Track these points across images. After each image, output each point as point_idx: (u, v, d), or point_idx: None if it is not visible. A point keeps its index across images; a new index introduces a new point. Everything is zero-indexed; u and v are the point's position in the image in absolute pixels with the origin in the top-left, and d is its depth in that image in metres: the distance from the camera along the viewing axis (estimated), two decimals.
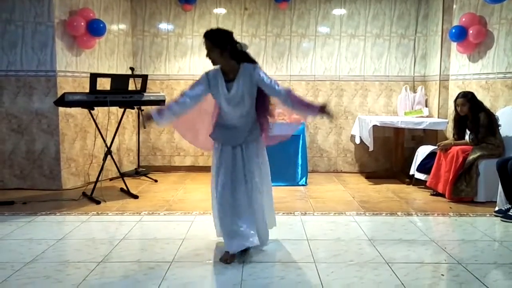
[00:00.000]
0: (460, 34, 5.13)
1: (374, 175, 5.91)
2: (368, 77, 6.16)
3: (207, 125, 3.21)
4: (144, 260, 3.05)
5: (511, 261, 3.03)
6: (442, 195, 4.70)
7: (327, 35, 6.13)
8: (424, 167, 5.08)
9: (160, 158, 6.30)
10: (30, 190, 5.00)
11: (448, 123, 5.41)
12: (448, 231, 3.84)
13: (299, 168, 5.45)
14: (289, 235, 3.55)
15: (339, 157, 6.28)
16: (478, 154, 4.49)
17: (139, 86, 5.05)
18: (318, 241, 3.41)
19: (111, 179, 5.59)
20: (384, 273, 2.82)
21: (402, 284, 2.66)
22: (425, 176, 5.06)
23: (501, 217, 3.97)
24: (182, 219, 3.97)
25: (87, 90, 4.60)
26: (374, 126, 5.36)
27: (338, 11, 6.10)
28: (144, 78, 4.97)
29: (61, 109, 4.96)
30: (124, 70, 5.92)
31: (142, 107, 5.67)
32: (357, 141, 5.85)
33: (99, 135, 4.74)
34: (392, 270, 2.85)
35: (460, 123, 4.82)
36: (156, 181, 5.58)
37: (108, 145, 4.77)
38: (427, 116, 5.76)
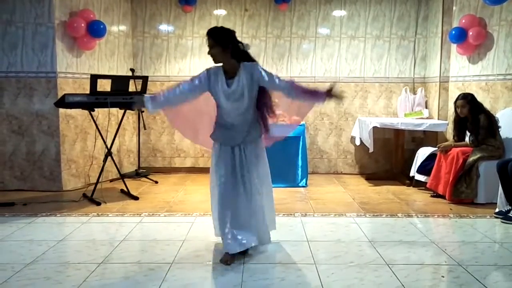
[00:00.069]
0: (460, 36, 5.13)
1: (374, 177, 5.91)
2: (368, 78, 6.17)
3: (206, 125, 3.21)
4: (144, 261, 3.05)
5: (511, 263, 3.03)
6: (443, 197, 4.70)
7: (327, 37, 6.14)
8: (424, 168, 5.09)
9: (161, 159, 6.30)
10: (30, 192, 5.00)
11: (448, 124, 5.42)
12: (448, 232, 3.84)
13: (299, 169, 5.45)
14: (289, 237, 3.55)
15: (339, 159, 6.28)
16: (478, 155, 4.49)
17: (139, 88, 5.06)
18: (318, 243, 3.41)
19: (111, 181, 5.59)
20: (385, 274, 2.82)
21: (403, 285, 2.66)
22: (425, 177, 5.06)
23: (501, 218, 3.97)
24: (182, 221, 3.98)
25: (88, 92, 4.61)
26: (374, 128, 5.37)
27: (338, 13, 6.11)
28: (145, 79, 4.98)
29: (61, 110, 4.96)
30: (124, 72, 5.92)
31: (143, 108, 5.69)
32: (357, 142, 5.85)
33: (100, 137, 4.74)
34: (393, 272, 2.85)
35: (460, 124, 4.82)
36: (156, 182, 5.58)
37: (109, 146, 4.77)
38: (427, 118, 5.76)
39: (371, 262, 3.02)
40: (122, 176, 5.06)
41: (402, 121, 5.57)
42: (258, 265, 2.98)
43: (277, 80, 2.96)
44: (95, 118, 4.72)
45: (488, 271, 2.90)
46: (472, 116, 4.64)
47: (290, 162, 5.42)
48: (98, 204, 4.49)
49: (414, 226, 3.84)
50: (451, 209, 4.39)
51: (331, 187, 5.45)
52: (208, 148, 3.24)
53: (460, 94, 4.80)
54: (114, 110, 5.42)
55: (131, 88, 5.06)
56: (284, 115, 3.82)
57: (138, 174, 5.87)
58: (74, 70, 5.19)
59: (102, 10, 5.55)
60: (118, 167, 5.18)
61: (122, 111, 4.99)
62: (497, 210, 4.12)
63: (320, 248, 3.30)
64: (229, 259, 2.99)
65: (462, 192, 4.52)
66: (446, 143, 4.92)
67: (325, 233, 3.66)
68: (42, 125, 5.03)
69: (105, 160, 4.75)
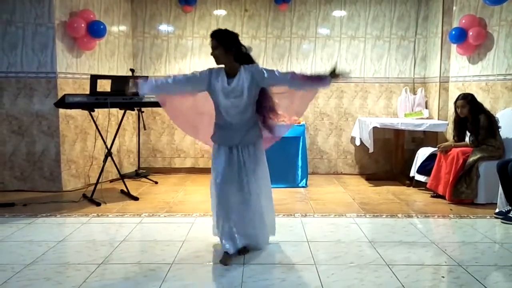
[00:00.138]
0: (460, 36, 5.13)
1: (374, 177, 5.91)
2: (368, 78, 6.17)
3: (207, 124, 3.22)
4: (144, 262, 3.05)
5: None
6: (443, 197, 4.70)
7: (327, 37, 6.13)
8: (424, 169, 5.09)
9: (161, 159, 6.30)
10: (30, 192, 4.99)
11: (448, 125, 5.42)
12: (448, 233, 3.84)
13: (299, 170, 5.45)
14: (289, 237, 3.55)
15: (339, 159, 6.28)
16: (478, 156, 4.49)
17: None
18: (318, 243, 3.41)
19: (111, 181, 5.59)
20: (385, 275, 2.82)
21: (403, 286, 2.66)
22: (425, 178, 5.06)
23: (501, 219, 3.97)
24: (182, 221, 3.97)
25: (88, 92, 4.61)
26: (374, 128, 5.36)
27: (338, 13, 6.11)
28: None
29: (61, 110, 4.96)
30: (124, 72, 5.92)
31: (143, 109, 5.70)
32: (357, 142, 5.85)
33: (100, 137, 4.73)
34: (393, 272, 2.85)
35: (460, 125, 4.82)
36: (156, 183, 5.58)
37: (109, 146, 4.77)
38: (427, 118, 5.76)
39: (371, 262, 3.02)
40: (122, 177, 5.06)
41: (402, 121, 5.57)
42: (258, 266, 2.98)
43: (277, 73, 2.98)
44: (95, 119, 4.72)
45: (488, 271, 2.90)
46: (472, 116, 4.63)
47: (290, 163, 5.41)
48: (98, 204, 4.49)
49: (414, 227, 3.84)
50: (451, 209, 4.39)
51: (331, 187, 5.44)
52: (209, 146, 3.24)
53: (460, 94, 4.80)
54: (114, 110, 5.42)
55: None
56: (284, 115, 3.81)
57: (138, 174, 5.87)
58: (74, 70, 5.19)
59: (102, 11, 5.55)
60: (118, 167, 5.18)
61: (122, 111, 4.99)
62: (497, 210, 4.12)
63: (320, 248, 3.30)
64: (227, 259, 2.99)
65: (462, 193, 4.51)
66: (446, 143, 4.92)
67: (325, 233, 3.66)
68: (42, 126, 5.03)
69: (105, 161, 4.75)
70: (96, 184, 4.68)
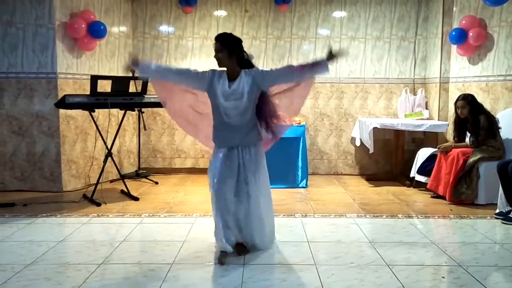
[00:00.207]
0: (460, 37, 5.14)
1: (374, 177, 5.91)
2: (369, 79, 6.17)
3: (206, 125, 3.23)
4: (144, 262, 3.05)
5: None
6: (443, 198, 4.70)
7: (328, 38, 6.14)
8: (425, 169, 5.09)
9: (161, 160, 6.30)
10: (30, 192, 5.00)
11: (448, 125, 5.42)
12: (448, 233, 3.84)
13: (300, 170, 5.45)
14: (289, 237, 3.55)
15: (339, 159, 6.28)
16: (478, 156, 4.49)
17: (139, 88, 5.05)
18: (318, 243, 3.41)
19: (111, 181, 5.60)
20: (385, 275, 2.82)
21: (403, 286, 2.66)
22: (426, 178, 5.06)
23: (501, 219, 3.97)
24: (182, 221, 3.98)
25: (88, 92, 4.61)
26: (375, 129, 5.37)
27: (338, 14, 6.11)
28: (145, 80, 4.97)
29: (61, 111, 4.96)
30: (124, 72, 5.91)
31: (143, 109, 5.70)
32: (357, 143, 5.86)
33: (100, 137, 4.74)
34: (393, 273, 2.85)
35: (460, 125, 4.82)
36: (156, 183, 5.58)
37: (109, 147, 4.77)
38: (427, 119, 5.76)
39: (372, 263, 3.02)
40: (122, 177, 5.06)
41: (402, 122, 5.57)
42: (258, 266, 2.98)
43: (274, 70, 3.04)
44: (95, 119, 4.72)
45: (488, 272, 2.90)
46: (472, 117, 4.64)
47: (290, 163, 5.42)
48: (98, 204, 4.49)
49: (414, 227, 3.84)
50: (451, 210, 4.39)
51: (331, 188, 5.45)
52: (209, 147, 3.25)
53: (460, 95, 4.80)
54: (114, 111, 5.43)
55: (132, 89, 5.06)
56: (284, 115, 3.81)
57: (138, 174, 5.87)
58: (75, 71, 5.20)
59: (103, 11, 5.55)
60: (118, 167, 5.18)
61: (123, 112, 5.00)
62: (497, 211, 4.12)
63: (321, 248, 3.30)
64: (223, 257, 3.00)
65: (462, 193, 4.51)
66: (446, 144, 4.92)
67: (326, 233, 3.66)
68: (43, 126, 5.03)
69: (105, 161, 4.75)
70: (96, 184, 4.68)
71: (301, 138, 5.47)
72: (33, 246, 3.32)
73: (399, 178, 5.69)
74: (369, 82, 6.17)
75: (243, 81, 2.97)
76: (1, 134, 5.02)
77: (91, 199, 4.62)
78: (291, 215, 4.17)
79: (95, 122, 4.69)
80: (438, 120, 5.71)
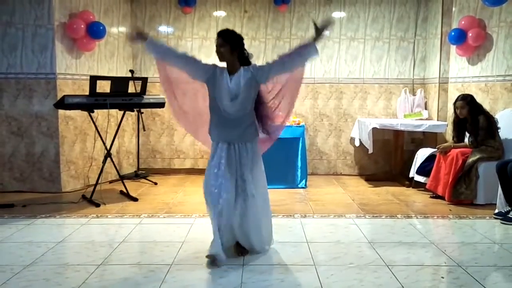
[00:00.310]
0: (459, 37, 5.14)
1: (373, 178, 5.91)
2: (368, 79, 6.17)
3: (206, 123, 3.21)
4: (143, 263, 3.05)
5: (511, 264, 3.03)
6: (442, 198, 4.70)
7: (327, 38, 6.12)
8: (424, 169, 5.09)
9: (160, 160, 6.30)
10: (29, 193, 4.99)
11: (447, 125, 5.42)
12: (448, 233, 3.84)
13: (299, 170, 5.45)
14: (288, 238, 3.55)
15: (338, 160, 6.28)
16: (477, 156, 4.49)
17: (139, 89, 5.06)
18: (317, 244, 3.41)
19: (110, 182, 5.59)
20: (384, 275, 2.82)
21: (402, 286, 2.66)
22: (425, 178, 5.06)
23: (500, 219, 3.97)
24: (181, 222, 3.97)
25: (87, 93, 4.61)
26: (374, 129, 5.37)
27: (338, 14, 6.11)
28: (144, 80, 4.98)
29: (60, 111, 4.96)
30: (124, 73, 5.92)
31: (142, 110, 5.70)
32: (357, 143, 5.86)
33: (99, 138, 4.74)
34: (392, 273, 2.85)
35: (459, 125, 4.82)
36: (155, 183, 5.58)
37: (108, 147, 4.77)
38: (426, 119, 5.77)
39: (371, 263, 3.02)
40: (122, 178, 5.05)
41: (402, 122, 5.57)
42: (257, 267, 2.98)
43: (269, 63, 3.07)
44: (94, 120, 4.72)
45: (487, 272, 2.90)
46: (472, 117, 4.64)
47: (290, 163, 5.42)
48: (98, 205, 4.49)
49: (413, 227, 3.84)
50: (450, 210, 4.39)
51: (330, 188, 5.45)
52: (208, 147, 3.24)
53: (459, 95, 4.81)
54: (113, 111, 5.42)
55: (131, 89, 5.06)
56: (278, 116, 3.81)
57: (137, 175, 5.86)
58: (74, 71, 5.19)
59: (102, 12, 5.55)
60: (118, 168, 5.18)
61: (122, 112, 4.99)
62: (496, 211, 4.12)
63: (320, 249, 3.30)
64: (211, 258, 2.98)
65: (461, 193, 4.52)
66: (446, 144, 4.92)
67: (325, 234, 3.66)
68: (42, 127, 5.02)
69: (104, 162, 4.75)
70: (95, 185, 4.68)
71: (301, 138, 5.47)
72: (32, 247, 3.32)
73: (399, 178, 5.69)
74: (369, 83, 6.18)
75: (242, 75, 3.00)
76: (0, 135, 5.02)
77: (90, 200, 4.61)
78: (290, 215, 4.17)
79: (94, 123, 4.69)
80: (437, 120, 5.71)
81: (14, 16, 4.89)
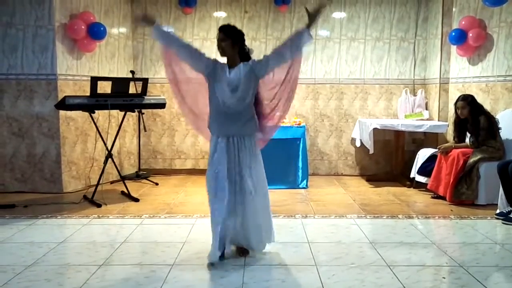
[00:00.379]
0: (460, 37, 5.14)
1: (374, 178, 5.91)
2: (368, 80, 6.17)
3: (207, 116, 3.21)
4: (145, 263, 3.05)
5: None
6: (443, 198, 4.70)
7: (327, 38, 6.14)
8: (425, 170, 5.09)
9: (161, 161, 6.30)
10: (31, 194, 4.99)
11: (448, 126, 5.42)
12: (449, 234, 3.84)
13: (300, 171, 5.45)
14: (290, 238, 3.55)
15: (339, 160, 6.28)
16: (478, 157, 4.49)
17: (139, 90, 5.06)
18: (319, 244, 3.41)
19: (111, 182, 5.59)
20: (385, 276, 2.82)
21: (404, 287, 2.66)
22: (426, 179, 5.06)
23: (502, 219, 3.97)
24: (183, 222, 3.97)
25: (88, 94, 4.61)
26: (375, 129, 5.37)
27: (338, 14, 6.12)
28: (145, 81, 4.98)
29: (61, 112, 4.96)
30: (124, 74, 5.92)
31: (143, 110, 5.71)
32: (358, 144, 5.86)
33: (100, 138, 4.74)
34: (393, 273, 2.85)
35: (460, 126, 4.82)
36: (157, 184, 5.58)
37: (109, 148, 4.77)
38: (427, 119, 5.77)
39: (372, 263, 3.02)
40: (123, 178, 5.06)
41: (403, 122, 5.57)
42: (258, 267, 2.98)
43: (266, 55, 3.05)
44: (95, 120, 4.72)
45: (489, 272, 2.89)
46: (472, 118, 4.64)
47: (291, 164, 5.42)
48: (99, 206, 4.49)
49: (414, 228, 3.84)
50: (451, 210, 4.39)
51: (331, 188, 5.44)
52: (207, 138, 3.23)
53: (460, 96, 4.81)
54: (114, 112, 5.43)
55: (132, 90, 5.06)
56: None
57: (138, 176, 5.87)
58: (75, 72, 5.20)
59: (102, 12, 5.55)
60: (119, 169, 5.18)
61: (123, 113, 4.99)
62: (498, 211, 4.12)
63: (321, 249, 3.30)
64: (214, 261, 2.99)
65: (462, 193, 4.52)
66: (447, 144, 4.92)
67: (326, 234, 3.66)
68: (43, 127, 5.03)
69: (105, 162, 4.75)
70: (96, 185, 4.68)
71: (301, 139, 5.47)
72: (34, 248, 3.32)
73: (400, 178, 5.69)
74: (369, 83, 6.18)
75: (241, 69, 3.02)
76: (1, 136, 5.02)
77: (91, 200, 4.62)
78: (292, 216, 4.17)
79: (95, 123, 4.69)
80: (438, 120, 5.71)
81: (14, 17, 4.90)
